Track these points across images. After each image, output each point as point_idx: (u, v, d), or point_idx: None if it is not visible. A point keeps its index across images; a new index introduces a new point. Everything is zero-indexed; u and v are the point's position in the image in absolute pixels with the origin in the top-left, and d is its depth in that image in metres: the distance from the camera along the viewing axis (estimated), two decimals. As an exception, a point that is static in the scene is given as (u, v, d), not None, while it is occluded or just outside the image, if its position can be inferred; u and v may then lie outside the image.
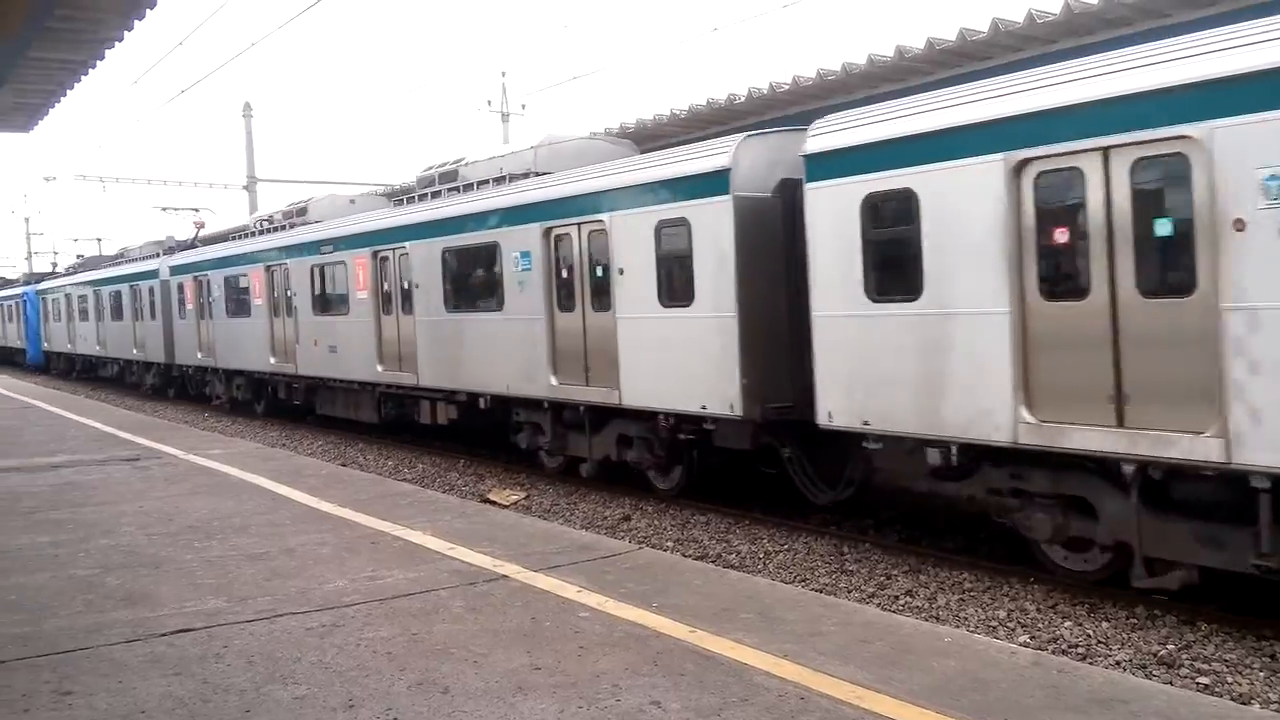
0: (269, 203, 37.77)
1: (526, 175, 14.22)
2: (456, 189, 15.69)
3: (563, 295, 12.91)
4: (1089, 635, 7.50)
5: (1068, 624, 7.74)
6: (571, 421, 13.46)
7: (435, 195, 16.20)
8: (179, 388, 28.57)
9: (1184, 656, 7.01)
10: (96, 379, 37.13)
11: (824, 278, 9.54)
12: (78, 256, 47.35)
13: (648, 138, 16.63)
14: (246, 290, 22.21)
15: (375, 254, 16.97)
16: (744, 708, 4.55)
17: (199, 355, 25.15)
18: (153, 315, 28.12)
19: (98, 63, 12.40)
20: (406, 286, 16.14)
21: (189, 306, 25.54)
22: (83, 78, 13.14)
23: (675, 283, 11.19)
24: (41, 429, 17.38)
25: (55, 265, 55.00)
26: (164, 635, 5.85)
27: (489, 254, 14.17)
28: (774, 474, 11.39)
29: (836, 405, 9.49)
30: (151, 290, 28.06)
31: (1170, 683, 6.43)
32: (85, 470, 12.44)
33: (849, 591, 8.78)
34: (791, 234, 10.16)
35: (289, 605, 6.38)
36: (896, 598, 8.59)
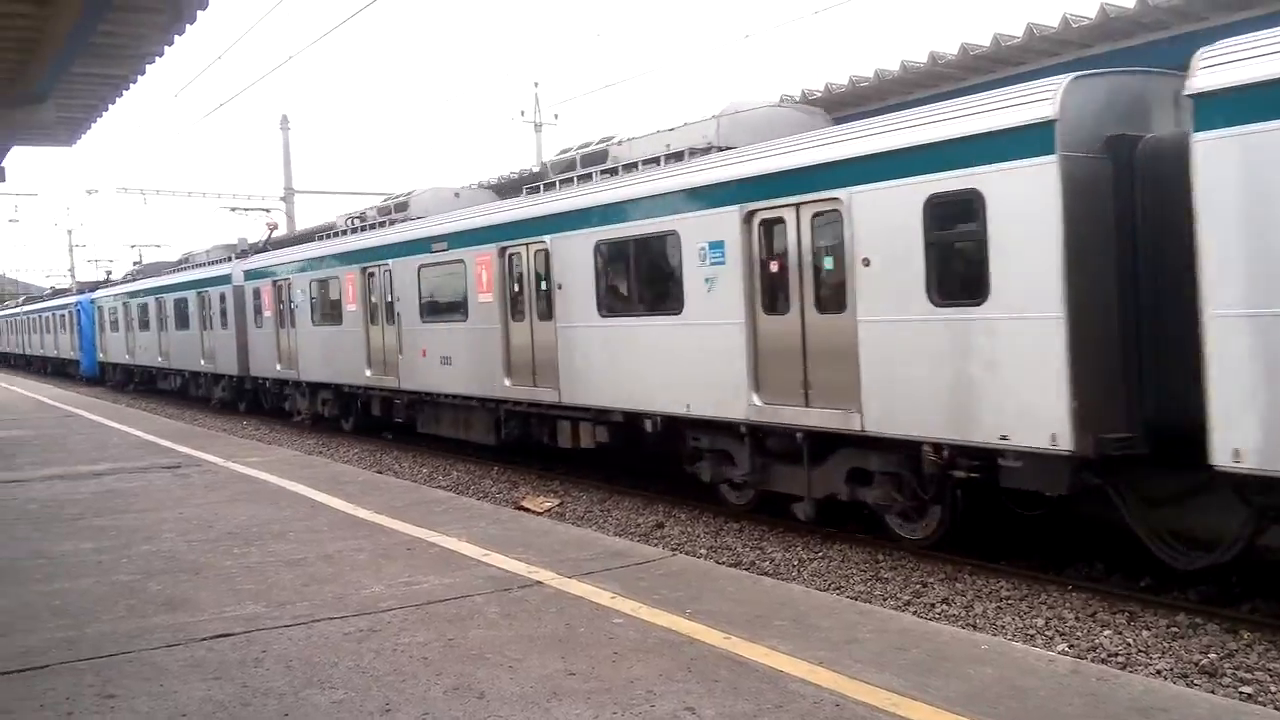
0: (306, 215, 37.90)
1: (707, 151, 11.92)
2: (610, 171, 13.29)
3: (769, 293, 10.51)
4: (1129, 644, 7.41)
5: (1107, 632, 7.65)
6: (778, 450, 10.94)
7: (583, 179, 13.76)
8: (251, 402, 26.11)
9: (1226, 665, 6.91)
10: (156, 392, 34.91)
11: (1230, 261, 6.94)
12: (134, 264, 43.10)
13: (836, 105, 14.38)
14: (338, 295, 19.71)
15: (502, 251, 14.58)
16: (778, 714, 4.54)
17: (278, 367, 22.86)
18: (224, 324, 25.69)
19: (139, 77, 12.62)
20: (545, 287, 13.89)
21: (267, 314, 23.12)
22: (124, 92, 13.39)
23: (956, 274, 8.84)
24: (84, 437, 17.65)
25: (109, 274, 49.42)
26: (204, 640, 5.92)
27: (661, 246, 11.85)
28: (1035, 516, 9.65)
29: (1254, 440, 6.86)
30: (223, 296, 25.70)
31: (1213, 692, 6.34)
32: (127, 477, 12.62)
33: (884, 599, 8.73)
34: (1128, 204, 8.07)
35: (326, 610, 6.44)
36: (932, 605, 8.53)
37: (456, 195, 18.52)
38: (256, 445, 17.34)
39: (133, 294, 35.06)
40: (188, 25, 10.61)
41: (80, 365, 43.28)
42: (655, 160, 12.62)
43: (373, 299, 18.53)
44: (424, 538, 8.51)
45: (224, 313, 25.70)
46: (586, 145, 14.26)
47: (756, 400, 10.61)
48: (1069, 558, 9.39)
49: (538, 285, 14.11)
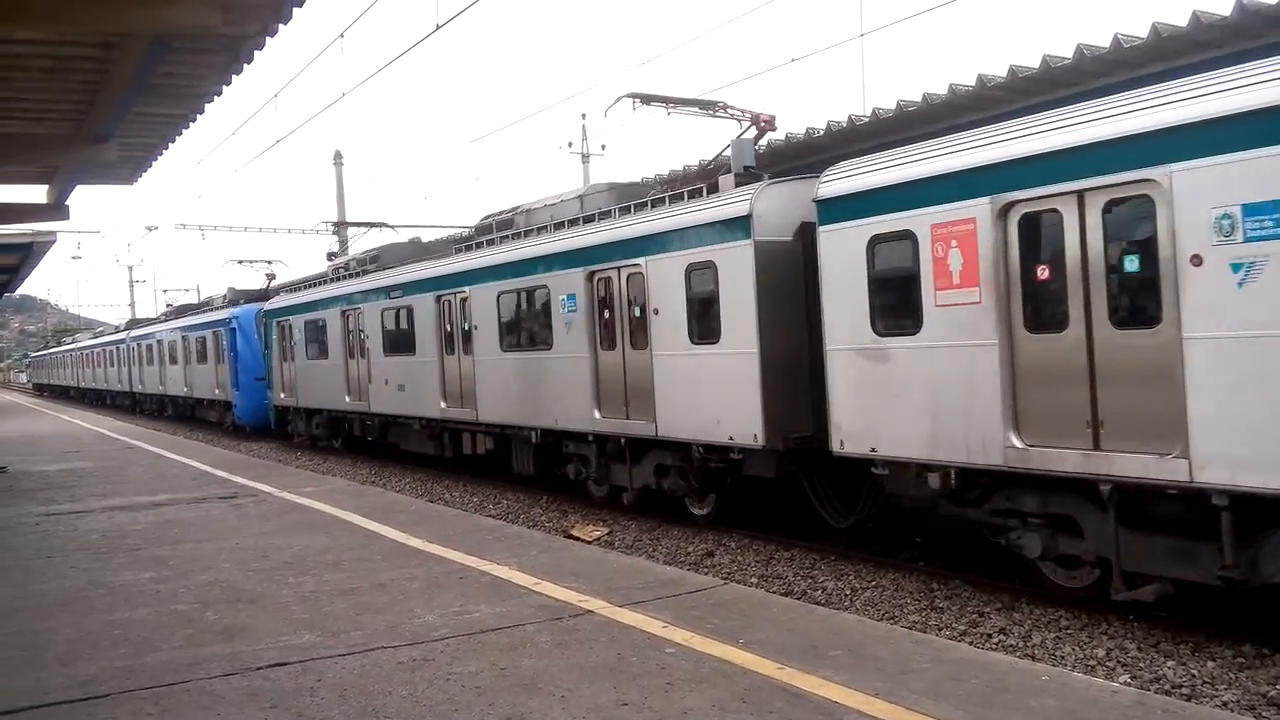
0: (360, 248, 37.24)
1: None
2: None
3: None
4: (1193, 675, 7.22)
5: (1170, 663, 7.47)
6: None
7: None
8: (734, 495, 12.84)
9: (1297, 698, 6.71)
10: (389, 454, 22.22)
11: None
12: (329, 255, 28.33)
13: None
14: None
15: None
16: (834, 746, 4.49)
17: (1015, 443, 8.70)
18: (707, 333, 11.96)
19: (198, 116, 12.95)
20: None
21: (940, 302, 9.35)
22: (183, 130, 13.73)
23: None
24: (143, 468, 17.99)
25: (272, 277, 32.99)
26: (260, 669, 5.99)
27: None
28: None
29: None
30: (695, 273, 12.07)
31: (1283, 725, 6.16)
32: (184, 508, 12.83)
33: (940, 629, 8.60)
34: None
35: (380, 639, 6.48)
36: (989, 635, 8.38)
37: None
38: (310, 475, 17.54)
39: (366, 293, 21.21)
40: (245, 65, 10.87)
41: (232, 410, 30.40)
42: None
43: None
44: (475, 566, 8.54)
45: (712, 307, 11.86)
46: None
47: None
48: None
49: None
